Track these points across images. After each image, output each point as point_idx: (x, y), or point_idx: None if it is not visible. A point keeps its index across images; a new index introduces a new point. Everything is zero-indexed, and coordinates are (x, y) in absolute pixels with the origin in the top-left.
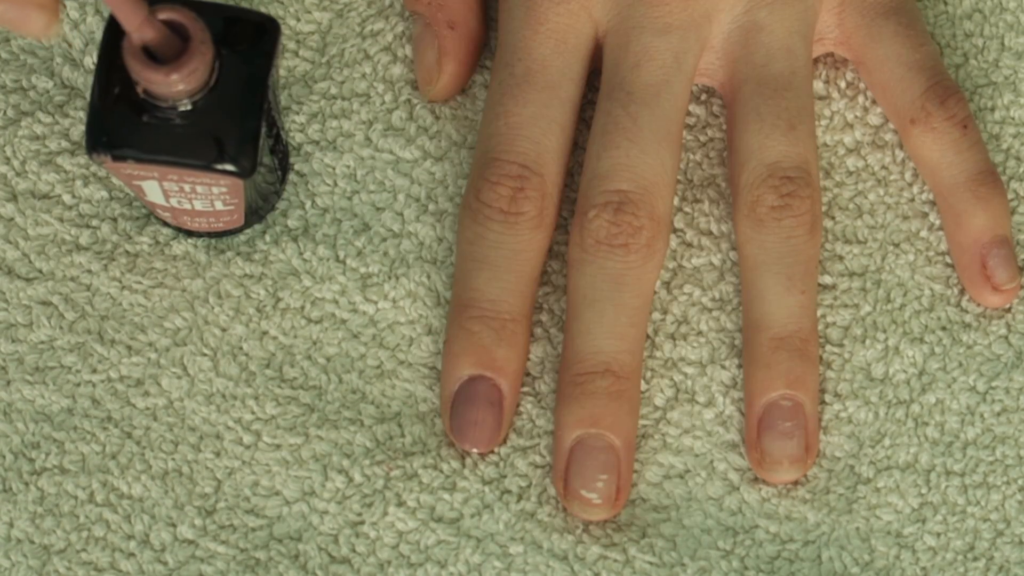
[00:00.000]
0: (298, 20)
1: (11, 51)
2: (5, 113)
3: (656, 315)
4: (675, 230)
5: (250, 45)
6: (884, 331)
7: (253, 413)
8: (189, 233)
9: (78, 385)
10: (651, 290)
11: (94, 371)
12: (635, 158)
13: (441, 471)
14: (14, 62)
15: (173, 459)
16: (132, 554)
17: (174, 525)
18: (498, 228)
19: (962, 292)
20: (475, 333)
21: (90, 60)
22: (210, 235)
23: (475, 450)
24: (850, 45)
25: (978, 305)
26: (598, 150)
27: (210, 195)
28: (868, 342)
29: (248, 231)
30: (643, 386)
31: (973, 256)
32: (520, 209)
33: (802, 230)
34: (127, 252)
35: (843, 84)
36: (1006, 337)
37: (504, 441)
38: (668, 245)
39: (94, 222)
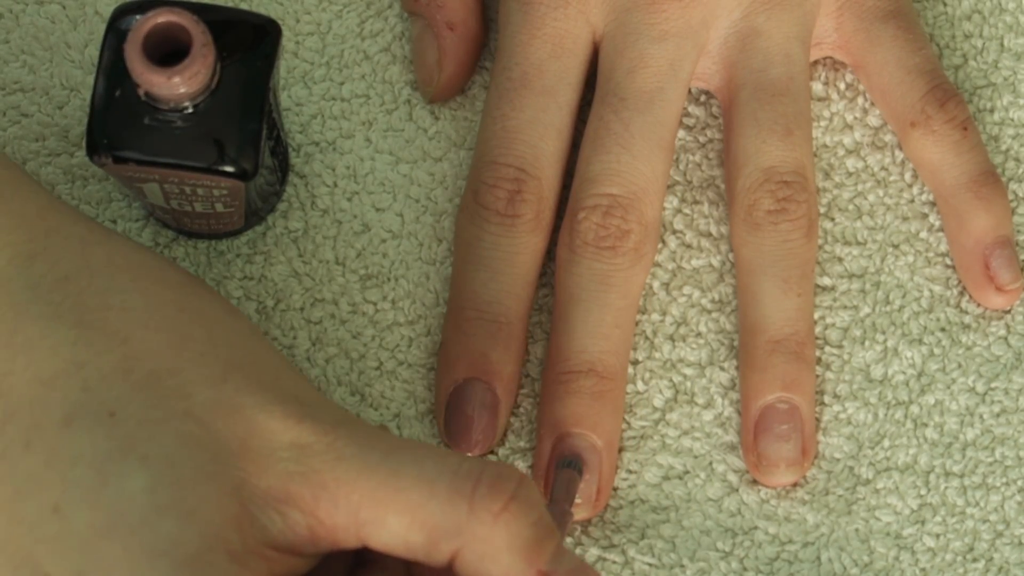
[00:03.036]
0: (298, 21)
1: (11, 51)
2: (5, 113)
3: (655, 316)
4: (674, 231)
5: (251, 47)
6: (883, 332)
7: None
8: (190, 234)
9: None
10: (638, 293)
11: None
12: (625, 164)
13: None
14: (14, 62)
15: None
16: None
17: None
18: (495, 230)
19: (961, 293)
20: (470, 336)
21: (90, 60)
22: (210, 236)
23: (469, 454)
24: (848, 49)
25: (978, 306)
26: (589, 154)
27: (211, 197)
28: (867, 343)
29: (249, 232)
30: (642, 387)
31: (976, 257)
32: (517, 212)
33: (798, 234)
34: None
35: (842, 85)
36: (1005, 338)
37: (503, 443)
38: (656, 250)
39: None
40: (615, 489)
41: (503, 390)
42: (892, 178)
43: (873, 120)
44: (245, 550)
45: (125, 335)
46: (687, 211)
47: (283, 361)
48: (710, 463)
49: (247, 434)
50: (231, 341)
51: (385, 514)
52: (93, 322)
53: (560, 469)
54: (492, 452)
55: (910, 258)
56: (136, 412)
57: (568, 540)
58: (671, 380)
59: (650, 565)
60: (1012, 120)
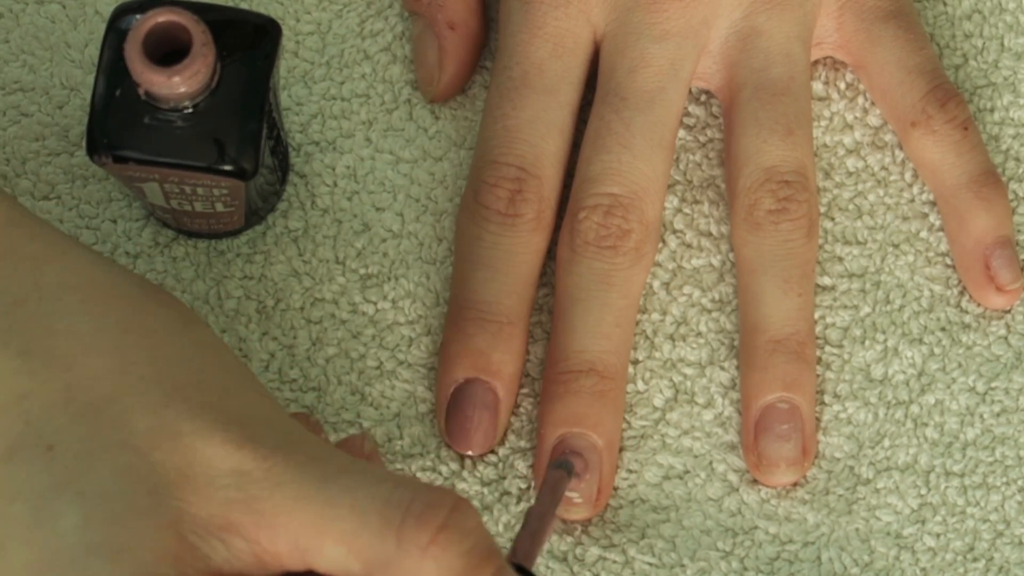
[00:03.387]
0: (298, 20)
1: (11, 51)
2: (5, 113)
3: (655, 316)
4: (674, 231)
5: (251, 47)
6: (883, 332)
7: None
8: (190, 234)
9: None
10: (638, 293)
11: None
12: (627, 163)
13: (440, 473)
14: (14, 62)
15: None
16: None
17: None
18: (496, 230)
19: (961, 293)
20: (471, 336)
21: (90, 60)
22: (210, 236)
23: (469, 453)
24: (849, 49)
25: (978, 306)
26: (590, 154)
27: (211, 197)
28: (867, 343)
29: (249, 232)
30: (642, 387)
31: (976, 257)
32: (518, 211)
33: (799, 234)
34: (127, 253)
35: (843, 85)
36: (1005, 338)
37: (503, 442)
38: (657, 250)
39: (94, 222)
40: (615, 489)
41: (504, 390)
42: (892, 178)
43: (873, 120)
44: None
45: (69, 362)
46: (687, 211)
47: (234, 376)
48: (710, 463)
49: (186, 463)
50: (178, 360)
51: (323, 543)
52: (38, 350)
53: (550, 470)
54: (492, 452)
55: (910, 258)
56: (73, 445)
57: (568, 540)
58: (671, 380)
59: (650, 565)
60: (1012, 120)
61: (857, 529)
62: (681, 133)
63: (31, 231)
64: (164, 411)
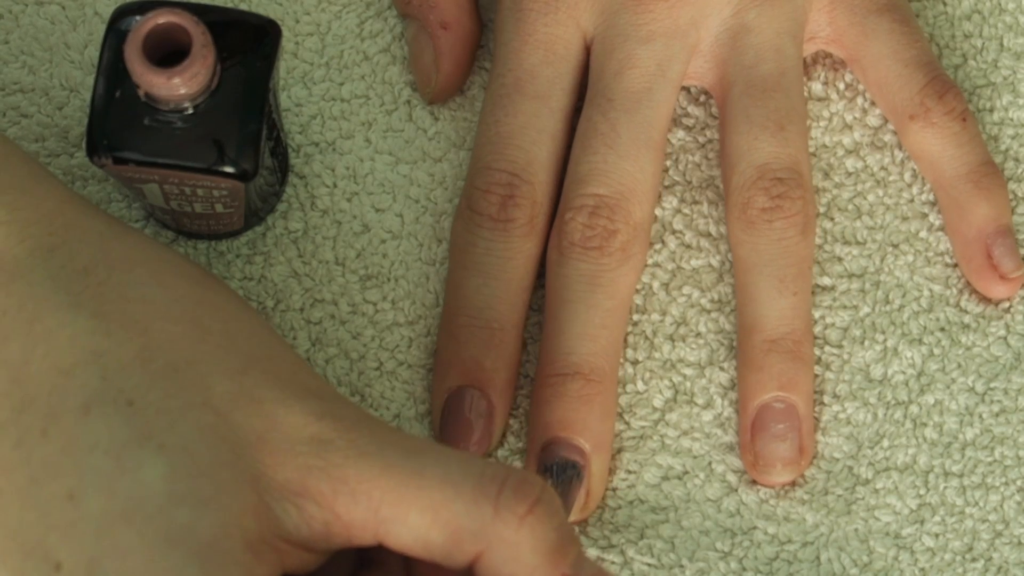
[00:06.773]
0: (297, 21)
1: (11, 51)
2: (5, 114)
3: (655, 316)
4: (674, 231)
5: (251, 48)
6: (883, 332)
7: None
8: (189, 235)
9: None
10: (627, 294)
11: None
12: (612, 164)
13: None
14: (14, 62)
15: None
16: None
17: None
18: (488, 235)
19: (960, 292)
20: (464, 343)
21: (90, 61)
22: (210, 237)
23: None
24: (843, 43)
25: (978, 305)
26: (578, 156)
27: (211, 198)
28: (867, 343)
29: (248, 233)
30: (642, 387)
31: (978, 247)
32: (510, 216)
33: (793, 231)
34: None
35: (842, 85)
36: (1005, 338)
37: (502, 443)
38: (646, 251)
39: None
40: (614, 489)
41: (497, 396)
42: (892, 178)
43: (872, 120)
44: (261, 540)
45: (144, 326)
46: (687, 211)
47: (299, 358)
48: (709, 463)
49: (266, 427)
50: (249, 335)
51: (407, 512)
52: (112, 313)
53: (560, 474)
54: (489, 455)
55: (910, 258)
56: (154, 401)
57: None
58: (671, 380)
59: (649, 565)
60: (1012, 120)
61: (856, 529)
62: (680, 134)
63: (92, 210)
64: (243, 378)
